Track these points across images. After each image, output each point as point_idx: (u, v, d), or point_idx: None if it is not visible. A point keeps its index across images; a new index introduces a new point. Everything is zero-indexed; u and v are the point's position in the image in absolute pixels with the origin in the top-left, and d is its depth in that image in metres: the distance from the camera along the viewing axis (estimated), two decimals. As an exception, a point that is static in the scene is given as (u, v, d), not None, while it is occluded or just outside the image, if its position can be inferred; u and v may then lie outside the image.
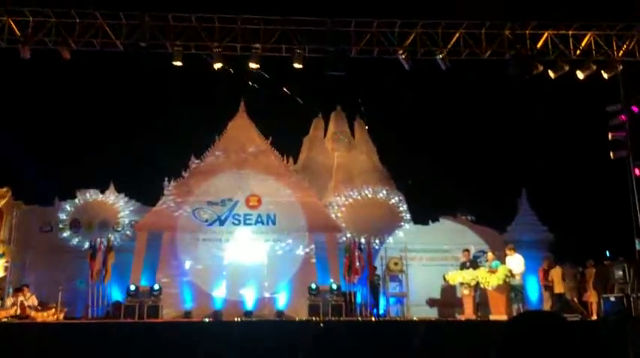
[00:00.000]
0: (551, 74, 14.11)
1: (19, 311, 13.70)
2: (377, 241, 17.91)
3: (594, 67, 14.01)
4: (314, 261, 17.26)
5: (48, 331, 11.19)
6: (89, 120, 20.70)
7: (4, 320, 12.84)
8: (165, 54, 13.86)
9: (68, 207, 18.10)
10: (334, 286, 16.09)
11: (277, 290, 16.69)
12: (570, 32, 14.12)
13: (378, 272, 17.32)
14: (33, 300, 14.42)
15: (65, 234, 17.79)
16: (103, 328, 11.91)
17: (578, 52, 14.16)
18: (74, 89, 20.32)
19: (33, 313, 13.78)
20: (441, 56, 13.96)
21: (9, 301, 14.54)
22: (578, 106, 16.52)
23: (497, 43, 14.11)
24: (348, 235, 17.58)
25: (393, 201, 18.81)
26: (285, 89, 16.47)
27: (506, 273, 12.27)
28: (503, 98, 19.52)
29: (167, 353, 9.97)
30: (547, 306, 14.91)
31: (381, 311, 16.52)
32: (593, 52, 14.18)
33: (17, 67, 14.21)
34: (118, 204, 18.32)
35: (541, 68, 13.96)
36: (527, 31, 14.11)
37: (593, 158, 18.47)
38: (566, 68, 14.01)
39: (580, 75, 14.13)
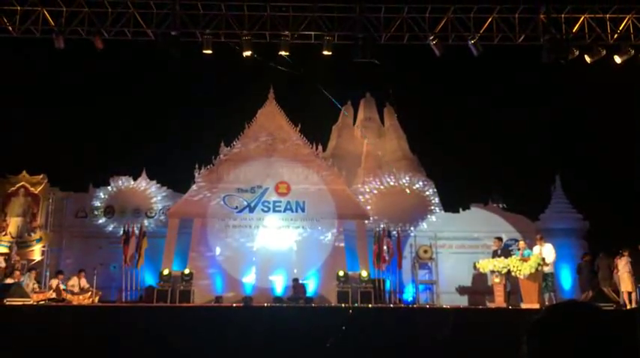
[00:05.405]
0: (587, 59, 13.76)
1: (54, 295, 14.10)
2: (404, 228, 17.82)
3: (632, 52, 13.62)
4: (343, 248, 17.28)
5: (84, 314, 11.50)
6: (122, 109, 21.01)
7: (42, 302, 13.22)
8: (195, 42, 13.96)
9: (102, 194, 18.48)
10: (363, 273, 16.11)
11: (306, 277, 16.76)
12: (608, 15, 13.73)
13: (407, 259, 17.27)
14: (73, 283, 14.84)
15: (99, 220, 18.19)
16: (136, 311, 12.19)
17: (615, 35, 13.76)
18: (109, 78, 20.65)
19: (69, 296, 14.16)
20: (472, 42, 13.73)
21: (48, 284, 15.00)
22: (615, 91, 16.06)
23: (531, 27, 13.81)
24: (377, 222, 17.54)
25: (427, 192, 18.68)
26: (313, 79, 16.39)
27: (538, 262, 12.09)
28: (538, 83, 19.12)
29: (199, 337, 10.14)
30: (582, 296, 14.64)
31: (410, 298, 16.49)
32: (632, 35, 13.76)
33: (52, 56, 14.47)
34: (150, 191, 18.63)
35: (577, 53, 13.63)
36: (562, 15, 13.76)
37: (629, 144, 18.00)
38: (603, 52, 13.65)
39: (617, 59, 13.75)
